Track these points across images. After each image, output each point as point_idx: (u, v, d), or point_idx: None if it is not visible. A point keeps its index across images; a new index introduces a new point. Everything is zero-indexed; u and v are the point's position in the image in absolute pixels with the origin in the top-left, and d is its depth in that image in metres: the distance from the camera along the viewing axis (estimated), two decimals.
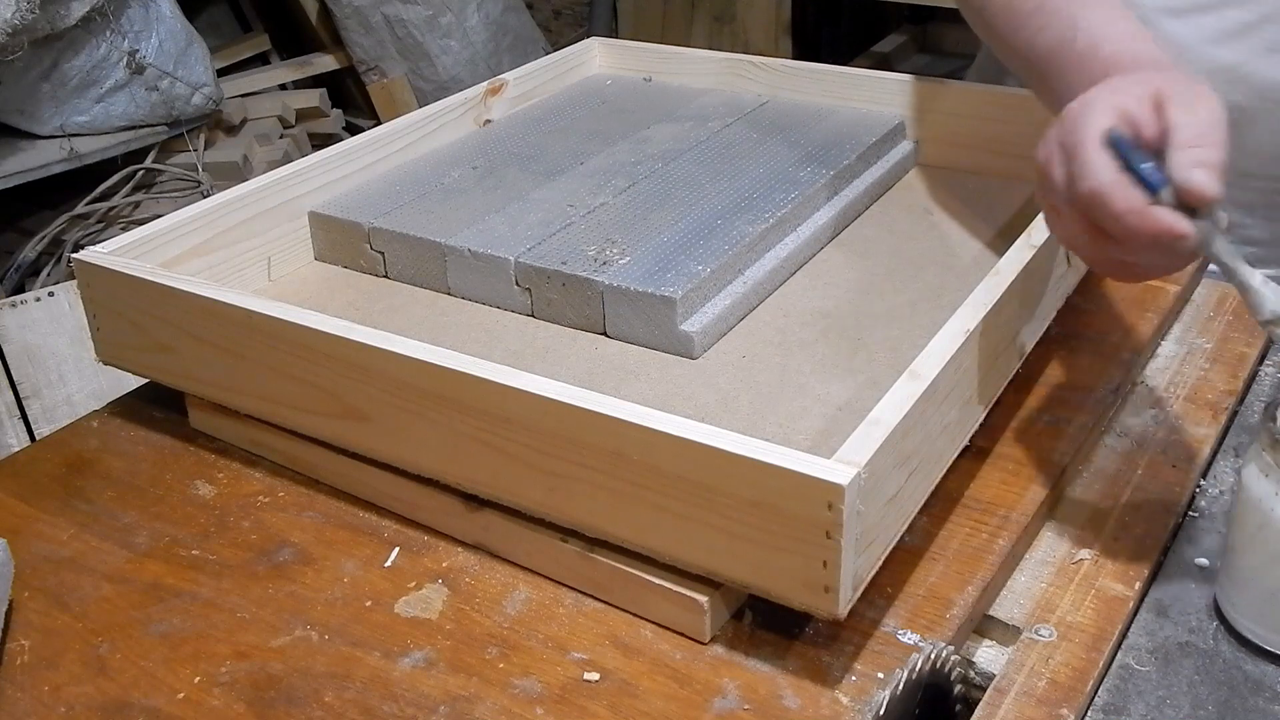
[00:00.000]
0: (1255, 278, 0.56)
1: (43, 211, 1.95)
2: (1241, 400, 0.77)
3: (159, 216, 0.80)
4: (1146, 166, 0.56)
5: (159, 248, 0.77)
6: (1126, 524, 0.66)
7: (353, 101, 2.56)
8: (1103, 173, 0.56)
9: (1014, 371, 0.72)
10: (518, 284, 0.79)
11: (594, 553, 0.61)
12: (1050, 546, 0.66)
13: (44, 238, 1.88)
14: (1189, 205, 0.55)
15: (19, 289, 1.84)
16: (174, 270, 0.74)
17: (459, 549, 0.66)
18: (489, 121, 1.03)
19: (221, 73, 2.18)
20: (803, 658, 0.58)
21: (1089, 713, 0.56)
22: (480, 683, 0.57)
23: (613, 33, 2.87)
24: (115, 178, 1.95)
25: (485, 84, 1.03)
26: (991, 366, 0.67)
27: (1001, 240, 0.85)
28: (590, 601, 0.62)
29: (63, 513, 0.71)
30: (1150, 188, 0.55)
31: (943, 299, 0.78)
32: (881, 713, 0.55)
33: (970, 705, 0.57)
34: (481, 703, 0.56)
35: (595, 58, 1.15)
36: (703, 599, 0.58)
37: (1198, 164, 0.55)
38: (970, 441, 0.66)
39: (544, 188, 0.88)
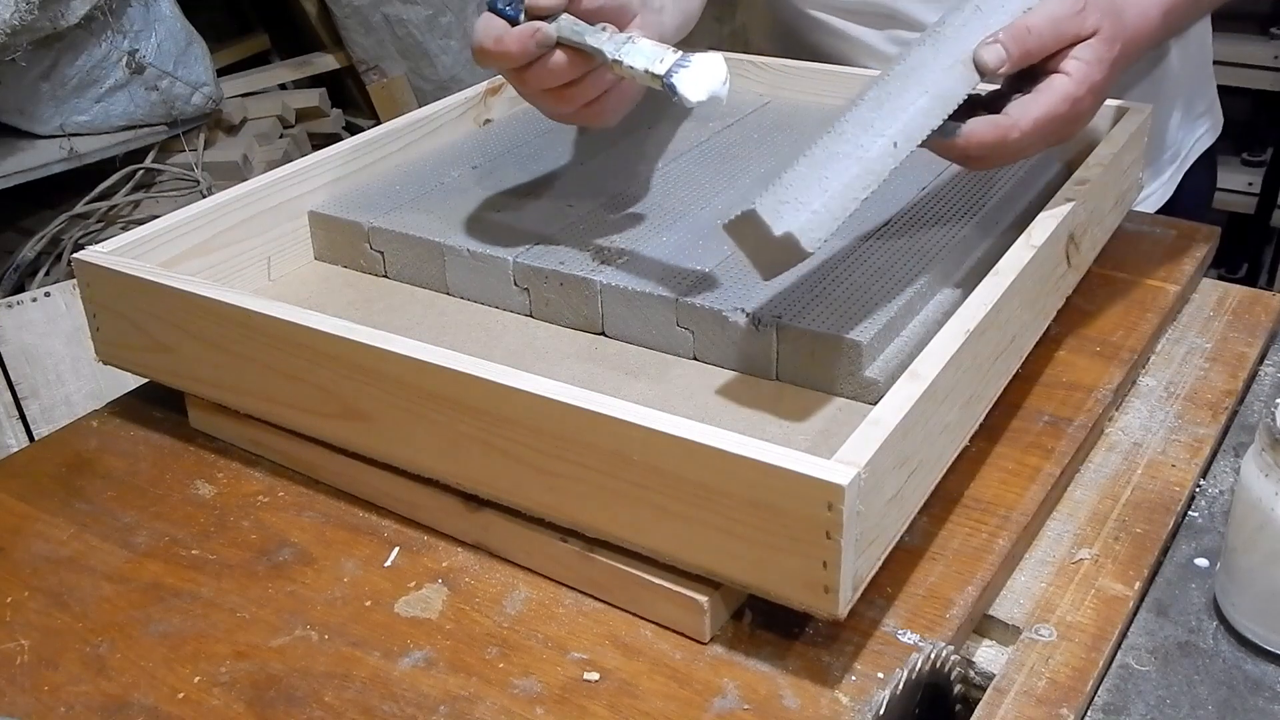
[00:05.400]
0: (600, 39, 0.71)
1: (42, 211, 1.95)
2: (1241, 400, 0.77)
3: (158, 216, 0.80)
4: (507, 9, 0.72)
5: (159, 248, 0.77)
6: (1126, 524, 0.66)
7: (353, 101, 2.56)
8: (477, 29, 0.72)
9: (1014, 371, 0.72)
10: (516, 284, 0.79)
11: (594, 553, 0.61)
12: (1050, 546, 0.66)
13: (43, 237, 1.88)
14: (541, 16, 0.71)
15: (19, 289, 1.84)
16: (174, 270, 0.74)
17: (459, 549, 0.66)
18: (489, 121, 1.03)
19: (221, 73, 2.18)
20: (803, 658, 0.58)
21: (1089, 713, 0.56)
22: (480, 683, 0.57)
23: None
24: (115, 177, 1.95)
25: (485, 84, 1.03)
26: (991, 366, 0.67)
27: (1001, 240, 0.85)
28: (590, 601, 0.62)
29: (63, 513, 0.71)
30: (510, 18, 0.72)
31: (943, 298, 0.78)
32: (881, 713, 0.55)
33: (970, 705, 0.57)
34: (481, 703, 0.56)
35: None
36: (703, 599, 0.58)
37: None
38: (970, 441, 0.66)
39: (544, 188, 0.88)
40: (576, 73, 0.73)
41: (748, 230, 0.63)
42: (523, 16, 0.72)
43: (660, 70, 0.69)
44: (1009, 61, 0.68)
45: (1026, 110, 0.68)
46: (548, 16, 0.71)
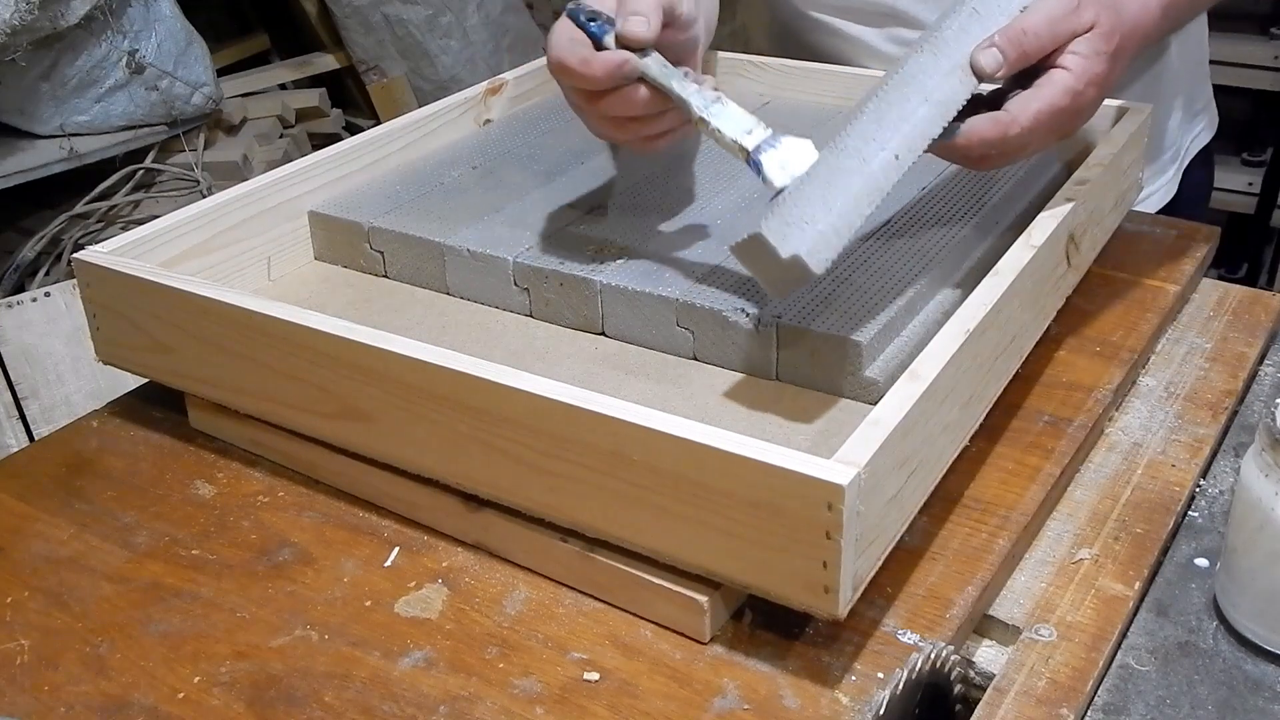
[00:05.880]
0: (688, 89, 0.69)
1: (42, 211, 1.95)
2: (1241, 400, 0.77)
3: (158, 216, 0.80)
4: (592, 24, 0.69)
5: (159, 248, 0.77)
6: (1126, 524, 0.66)
7: (353, 101, 2.56)
8: (559, 40, 0.69)
9: (1014, 371, 0.72)
10: (516, 284, 0.79)
11: (594, 553, 0.61)
12: (1050, 546, 0.66)
13: (43, 237, 1.88)
14: (630, 48, 0.68)
15: (19, 289, 1.84)
16: (174, 270, 0.74)
17: (459, 549, 0.66)
18: (489, 121, 1.03)
19: (221, 73, 2.18)
20: (803, 658, 0.58)
21: (1089, 713, 0.56)
22: (480, 683, 0.57)
23: None
24: (115, 177, 1.95)
25: (485, 84, 1.03)
26: (991, 366, 0.67)
27: (1001, 240, 0.85)
28: (590, 601, 0.62)
29: (63, 513, 0.71)
30: (594, 36, 0.69)
31: (943, 299, 0.78)
32: (881, 713, 0.55)
33: (970, 705, 0.57)
34: (481, 703, 0.56)
35: None
36: (702, 599, 0.58)
37: (633, 14, 0.68)
38: (970, 441, 0.66)
39: (543, 188, 0.88)
40: (651, 110, 0.71)
41: (755, 253, 0.63)
42: (608, 39, 0.69)
43: (749, 144, 0.67)
44: (1006, 65, 0.68)
45: (1026, 105, 0.68)
46: (638, 49, 0.69)
